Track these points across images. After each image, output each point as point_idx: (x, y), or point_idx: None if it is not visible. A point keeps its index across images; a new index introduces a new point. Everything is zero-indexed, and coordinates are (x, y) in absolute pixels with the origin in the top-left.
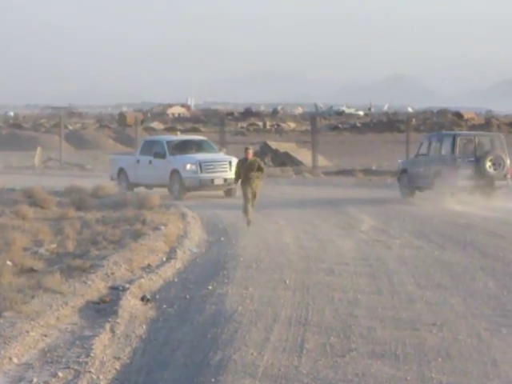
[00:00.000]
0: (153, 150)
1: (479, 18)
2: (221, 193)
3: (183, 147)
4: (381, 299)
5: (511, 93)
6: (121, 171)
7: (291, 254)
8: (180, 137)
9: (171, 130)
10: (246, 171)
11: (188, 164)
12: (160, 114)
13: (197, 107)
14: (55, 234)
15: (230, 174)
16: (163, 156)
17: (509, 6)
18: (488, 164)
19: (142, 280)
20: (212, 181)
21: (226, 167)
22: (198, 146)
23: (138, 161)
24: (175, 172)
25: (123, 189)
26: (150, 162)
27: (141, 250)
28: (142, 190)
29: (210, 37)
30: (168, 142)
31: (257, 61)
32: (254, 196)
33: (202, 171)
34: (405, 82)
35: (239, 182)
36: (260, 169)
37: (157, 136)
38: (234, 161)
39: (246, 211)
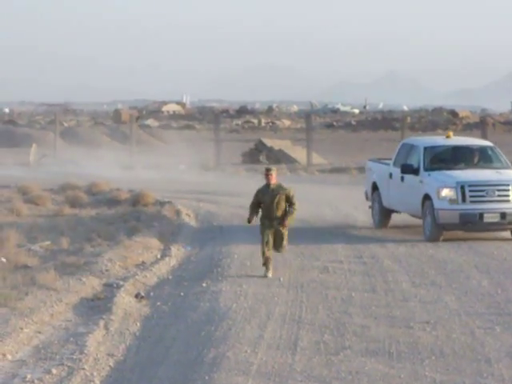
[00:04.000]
0: (407, 158)
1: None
2: (507, 234)
3: (450, 158)
4: (375, 297)
5: (506, 91)
6: (374, 187)
7: (285, 251)
8: (451, 140)
9: (166, 127)
10: (268, 204)
11: (444, 188)
12: (155, 111)
13: (192, 105)
14: (50, 230)
15: None
16: (415, 171)
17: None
18: None
19: (137, 277)
20: (480, 216)
21: (508, 193)
22: (477, 157)
23: (390, 174)
24: (427, 198)
25: (374, 216)
26: (402, 178)
27: (135, 247)
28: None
29: (204, 35)
30: (427, 149)
31: (252, 58)
32: (281, 242)
33: (464, 200)
34: (400, 79)
35: (258, 219)
36: (289, 201)
37: (417, 138)
38: None
39: (265, 260)
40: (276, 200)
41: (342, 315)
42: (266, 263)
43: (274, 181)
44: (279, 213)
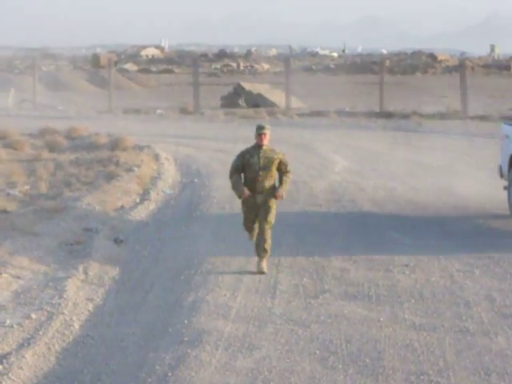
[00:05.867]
0: None
1: None
2: None
3: None
4: (354, 240)
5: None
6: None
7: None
8: None
9: (145, 71)
10: (255, 172)
11: None
12: (134, 55)
13: (171, 49)
14: (28, 175)
15: None
16: None
17: None
18: None
19: (116, 221)
20: None
21: None
22: None
23: None
24: None
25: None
26: None
27: (114, 191)
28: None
29: None
30: None
31: (231, 3)
32: (266, 217)
33: None
34: (379, 24)
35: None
36: (282, 168)
37: None
38: None
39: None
40: (267, 167)
41: (320, 259)
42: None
43: (267, 142)
44: (268, 183)
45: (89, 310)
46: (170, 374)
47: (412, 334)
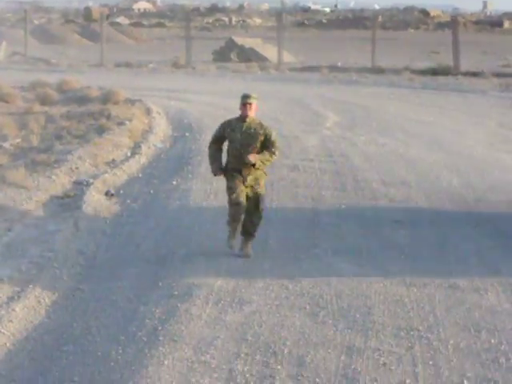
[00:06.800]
0: None
1: None
2: None
3: None
4: (345, 196)
5: None
6: None
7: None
8: None
9: (137, 25)
10: (236, 148)
11: None
12: (126, 9)
13: (163, 2)
14: (20, 128)
15: None
16: None
17: None
18: None
19: (107, 175)
20: None
21: None
22: None
23: None
24: None
25: None
26: None
27: (105, 144)
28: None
29: None
30: None
31: None
32: (256, 201)
33: None
34: None
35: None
36: (268, 146)
37: None
38: None
39: (232, 227)
40: (250, 144)
41: (311, 213)
42: (232, 236)
43: (252, 114)
44: (254, 157)
45: (79, 263)
46: (159, 328)
47: (402, 289)
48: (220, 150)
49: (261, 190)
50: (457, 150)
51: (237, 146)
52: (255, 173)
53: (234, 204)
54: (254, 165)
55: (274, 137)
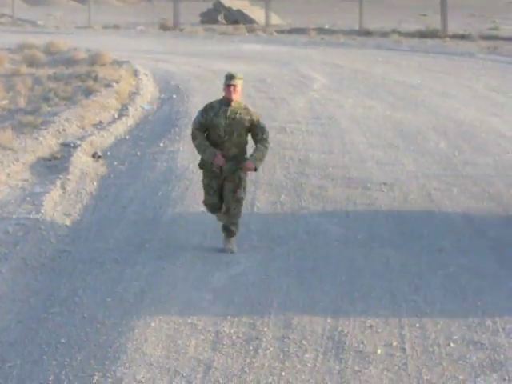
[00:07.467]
0: None
1: None
2: None
3: None
4: (332, 158)
5: None
6: None
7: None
8: None
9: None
10: (219, 135)
11: None
12: None
13: None
14: (7, 90)
15: None
16: None
17: None
18: None
19: (94, 137)
20: None
21: None
22: None
23: None
24: None
25: None
26: None
27: (92, 106)
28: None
29: None
30: None
31: None
32: (234, 194)
33: None
34: None
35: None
36: (255, 132)
37: None
38: None
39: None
40: (235, 130)
41: (298, 176)
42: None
43: (238, 97)
44: (235, 149)
45: (66, 225)
46: (146, 290)
47: (389, 252)
48: (206, 138)
49: (241, 173)
50: (444, 112)
51: (220, 133)
52: (236, 158)
53: (208, 204)
54: (255, 169)
55: (261, 122)
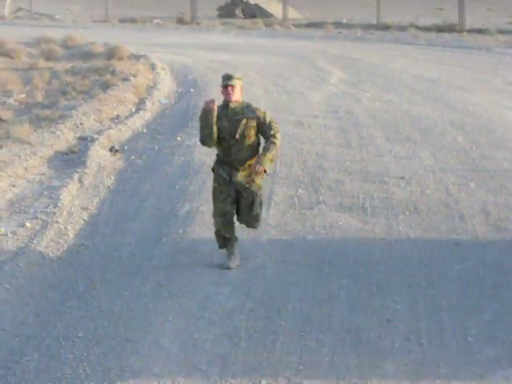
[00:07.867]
0: None
1: None
2: None
3: None
4: (349, 152)
5: None
6: None
7: (261, 106)
8: None
9: None
10: (227, 137)
11: None
12: None
13: None
14: (24, 84)
15: None
16: None
17: None
18: None
19: (111, 131)
20: None
21: None
22: None
23: None
24: None
25: None
26: None
27: (110, 100)
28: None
29: None
30: None
31: None
32: (250, 206)
33: None
34: None
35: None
36: (264, 130)
37: None
38: None
39: (222, 240)
40: (241, 130)
41: (316, 170)
42: (225, 243)
43: (236, 97)
44: (246, 153)
45: (83, 219)
46: (164, 283)
47: (406, 246)
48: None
49: (255, 187)
50: (462, 106)
51: (226, 138)
52: (249, 169)
53: (219, 217)
54: (264, 170)
55: (268, 117)
